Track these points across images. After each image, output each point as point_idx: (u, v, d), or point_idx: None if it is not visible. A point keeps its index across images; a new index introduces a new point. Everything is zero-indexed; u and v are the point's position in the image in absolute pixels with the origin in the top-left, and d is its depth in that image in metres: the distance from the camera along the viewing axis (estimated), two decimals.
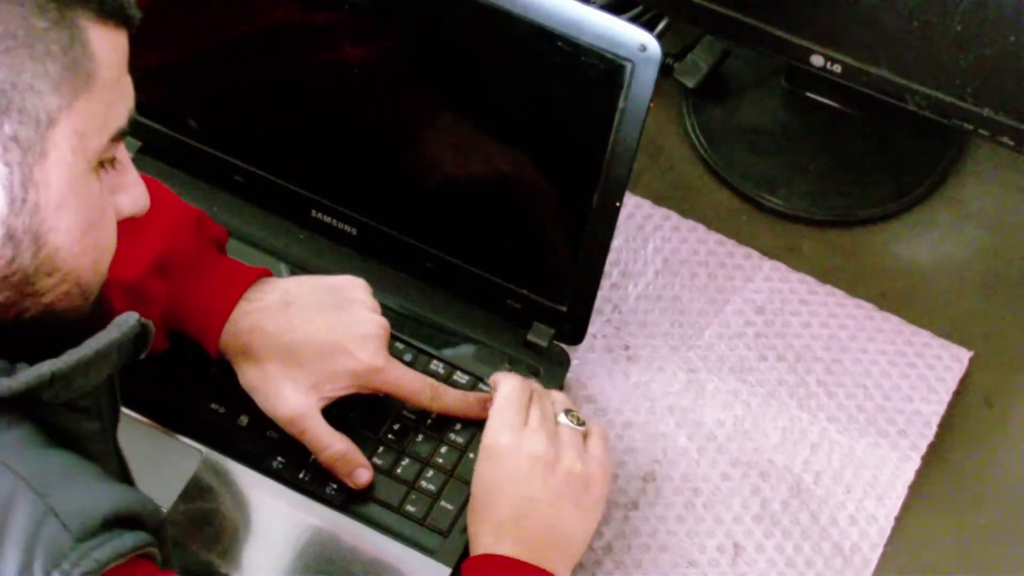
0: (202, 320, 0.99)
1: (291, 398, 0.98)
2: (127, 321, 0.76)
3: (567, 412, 0.99)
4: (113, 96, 0.74)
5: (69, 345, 0.74)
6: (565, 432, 0.98)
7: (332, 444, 0.98)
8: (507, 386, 0.99)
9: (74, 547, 0.68)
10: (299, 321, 0.99)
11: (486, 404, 1.01)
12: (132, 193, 0.79)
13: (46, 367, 0.71)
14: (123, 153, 0.78)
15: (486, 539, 0.93)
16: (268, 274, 1.02)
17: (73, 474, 0.73)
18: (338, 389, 0.99)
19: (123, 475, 0.84)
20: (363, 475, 0.99)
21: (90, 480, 0.74)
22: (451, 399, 1.02)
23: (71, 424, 0.75)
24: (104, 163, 0.75)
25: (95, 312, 0.79)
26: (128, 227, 0.94)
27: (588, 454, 0.97)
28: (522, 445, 0.96)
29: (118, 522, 0.71)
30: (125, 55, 0.75)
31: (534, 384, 1.01)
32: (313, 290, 1.01)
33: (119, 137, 0.75)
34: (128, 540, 0.71)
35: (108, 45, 0.73)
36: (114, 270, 0.87)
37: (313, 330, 0.98)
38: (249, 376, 0.99)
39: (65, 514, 0.69)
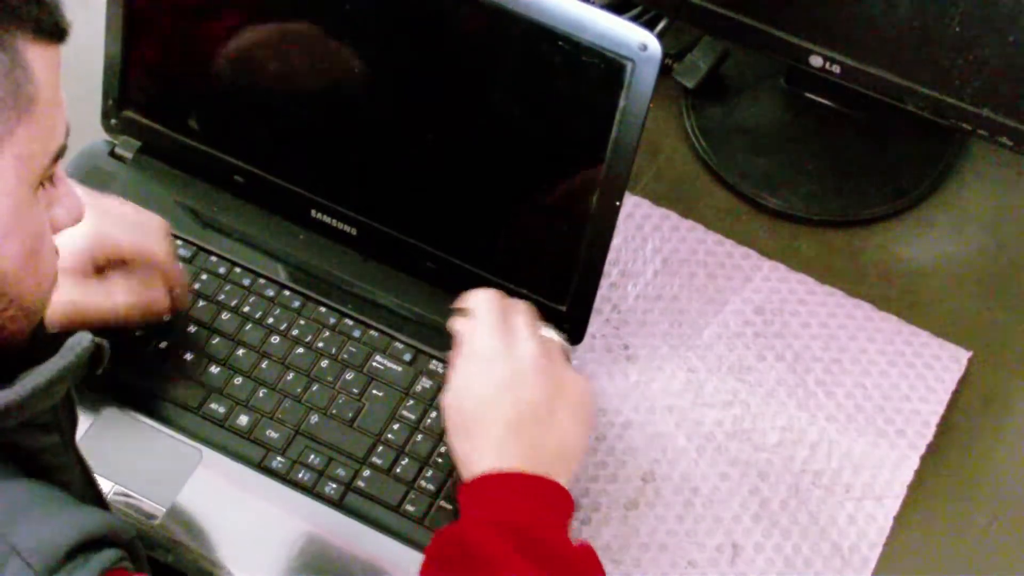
0: None
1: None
2: (80, 343, 0.74)
3: (550, 327, 0.99)
4: (53, 116, 0.72)
5: (15, 364, 0.72)
6: (553, 343, 0.97)
7: (116, 307, 0.98)
8: (482, 293, 0.98)
9: None
10: None
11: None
12: (67, 205, 0.77)
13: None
14: (58, 167, 0.76)
15: (488, 456, 0.90)
16: None
17: (33, 506, 0.71)
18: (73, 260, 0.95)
19: (86, 482, 0.82)
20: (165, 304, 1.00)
21: (52, 510, 0.72)
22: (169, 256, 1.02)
23: (29, 441, 0.74)
24: (43, 182, 0.74)
25: (37, 330, 0.77)
26: None
27: (577, 370, 0.97)
28: (515, 348, 0.94)
29: (84, 548, 0.70)
30: (59, 70, 0.72)
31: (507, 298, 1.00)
32: None
33: (59, 156, 0.74)
34: (95, 566, 0.70)
35: (45, 63, 0.71)
36: None
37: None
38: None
39: (27, 551, 0.68)
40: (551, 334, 0.98)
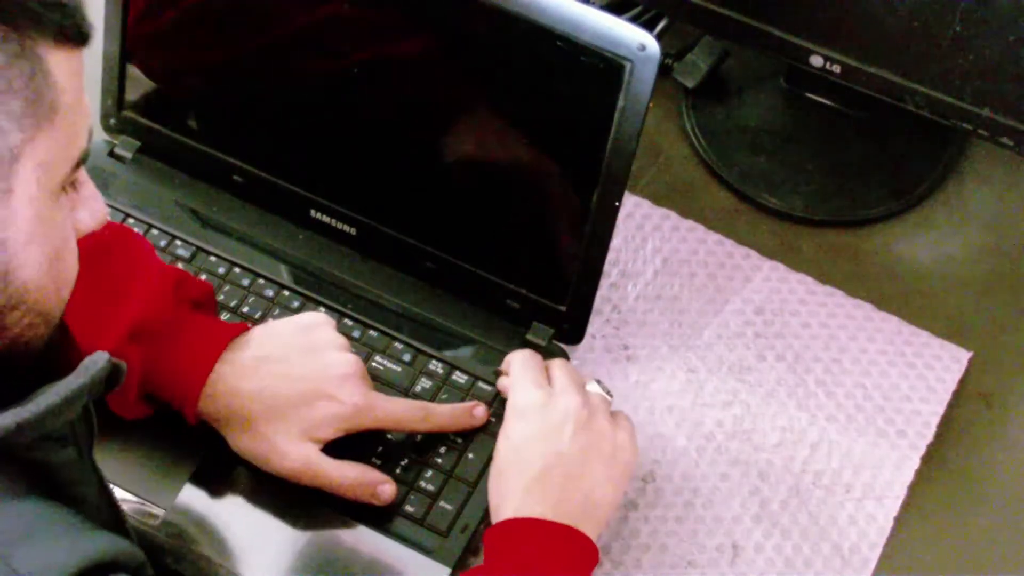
0: (178, 388, 0.97)
1: (288, 453, 0.96)
2: (96, 363, 0.73)
3: (598, 382, 1.01)
4: (76, 122, 0.71)
5: (32, 376, 0.72)
6: (595, 398, 0.99)
7: (344, 477, 0.97)
8: (521, 353, 1.01)
9: None
10: (274, 376, 0.97)
11: (474, 411, 1.02)
12: (90, 208, 0.77)
13: (10, 417, 0.69)
14: (81, 170, 0.75)
15: (512, 502, 0.92)
16: (244, 329, 1.00)
17: (38, 528, 0.70)
18: (329, 433, 0.97)
19: (104, 495, 0.82)
20: (385, 491, 0.98)
21: (57, 533, 0.71)
22: (441, 416, 1.01)
23: (43, 455, 0.73)
24: (65, 187, 0.73)
25: (55, 338, 0.76)
26: (106, 295, 0.92)
27: (618, 422, 0.98)
28: (554, 401, 0.96)
29: (88, 574, 0.69)
30: (83, 75, 0.71)
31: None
32: (281, 338, 1.00)
33: (82, 162, 0.73)
34: None
35: (68, 69, 0.69)
36: (89, 340, 0.84)
37: (290, 381, 0.97)
38: (240, 442, 0.98)
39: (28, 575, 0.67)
40: (594, 388, 1.00)
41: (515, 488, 0.93)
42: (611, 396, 1.01)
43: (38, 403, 0.70)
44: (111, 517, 0.83)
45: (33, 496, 0.72)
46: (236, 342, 0.99)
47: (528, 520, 0.91)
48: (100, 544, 0.72)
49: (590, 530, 0.93)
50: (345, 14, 1.03)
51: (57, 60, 0.69)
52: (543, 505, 0.92)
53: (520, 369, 1.00)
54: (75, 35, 0.70)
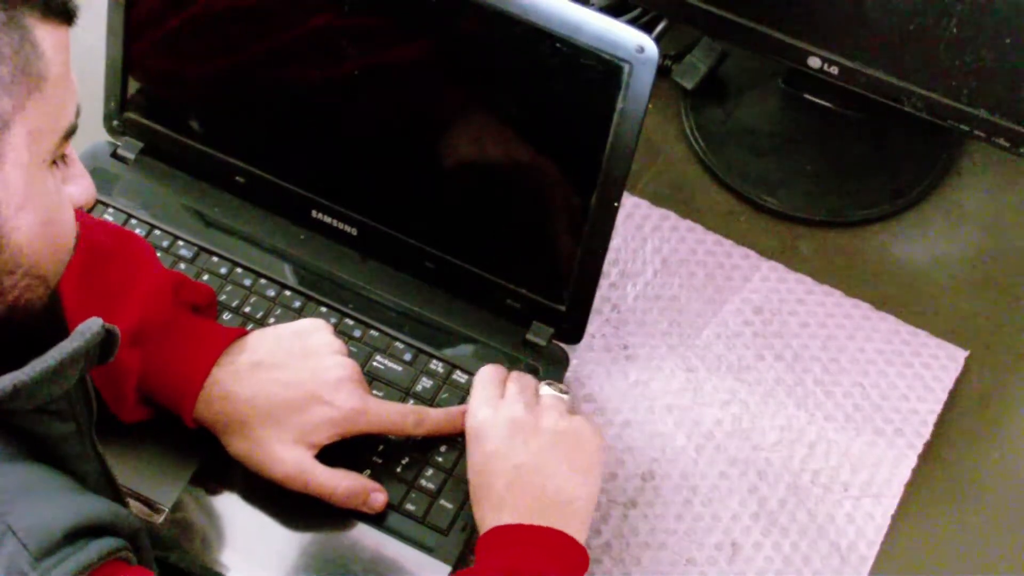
0: (175, 391, 0.97)
1: (282, 458, 0.97)
2: (91, 328, 0.75)
3: (549, 384, 1.01)
4: (63, 94, 0.73)
5: (33, 340, 0.73)
6: (547, 399, 0.99)
7: (337, 485, 0.97)
8: (481, 370, 1.01)
9: (34, 565, 0.67)
10: (269, 379, 0.98)
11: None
12: (80, 185, 0.79)
13: (7, 380, 0.70)
14: (69, 147, 0.78)
15: (489, 517, 0.93)
16: (243, 333, 1.01)
17: (35, 488, 0.72)
18: (324, 438, 0.98)
19: (104, 476, 0.83)
20: (377, 499, 0.99)
21: (53, 493, 0.72)
22: (435, 419, 1.01)
23: (43, 428, 0.74)
24: (56, 160, 0.75)
25: (54, 303, 0.78)
26: (106, 299, 0.93)
27: (572, 416, 0.98)
28: (499, 415, 0.96)
29: (83, 533, 0.70)
30: (69, 52, 0.74)
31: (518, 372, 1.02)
32: (277, 343, 1.00)
33: (70, 134, 0.75)
34: (92, 551, 0.70)
35: (54, 43, 0.72)
36: None
37: (284, 386, 0.97)
38: (235, 446, 0.98)
39: (23, 531, 0.68)
40: (547, 390, 1.00)
41: (487, 504, 0.94)
42: (566, 394, 1.00)
43: (33, 366, 0.71)
44: (112, 499, 0.83)
45: (31, 460, 0.74)
46: (233, 347, 0.99)
47: (510, 526, 0.92)
48: (96, 506, 0.73)
49: (573, 529, 0.93)
50: (346, 19, 1.03)
51: (44, 33, 0.71)
52: (516, 515, 0.92)
53: (474, 390, 1.00)
54: (61, 11, 0.72)
